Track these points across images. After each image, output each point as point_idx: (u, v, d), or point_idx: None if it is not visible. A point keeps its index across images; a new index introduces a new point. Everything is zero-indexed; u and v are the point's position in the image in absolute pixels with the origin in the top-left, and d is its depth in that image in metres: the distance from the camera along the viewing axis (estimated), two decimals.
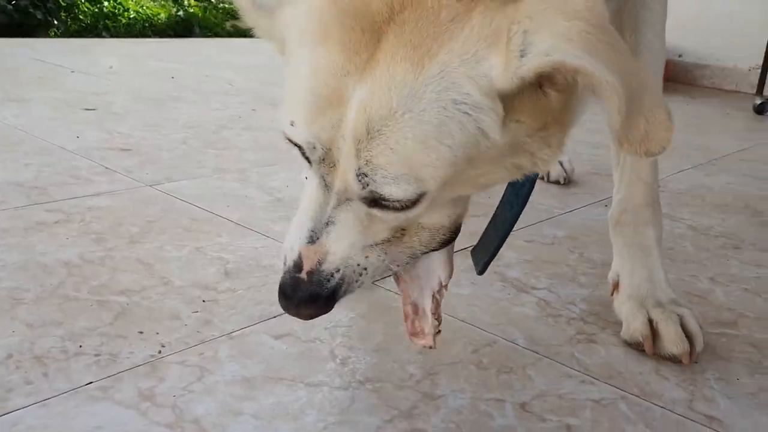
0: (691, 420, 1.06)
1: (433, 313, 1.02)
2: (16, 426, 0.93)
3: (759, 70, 3.96)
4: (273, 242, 1.56)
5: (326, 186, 0.85)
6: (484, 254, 1.11)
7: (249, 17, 0.92)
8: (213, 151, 2.24)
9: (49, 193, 1.74)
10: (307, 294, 0.89)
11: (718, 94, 4.61)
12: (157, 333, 1.17)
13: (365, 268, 0.90)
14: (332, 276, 0.88)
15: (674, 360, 1.20)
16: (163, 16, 6.12)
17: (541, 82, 0.76)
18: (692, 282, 1.54)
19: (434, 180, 0.80)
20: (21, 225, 1.54)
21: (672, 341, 1.20)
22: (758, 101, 3.90)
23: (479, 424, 1.01)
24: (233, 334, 1.18)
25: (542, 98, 0.78)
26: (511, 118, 0.78)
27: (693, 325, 1.22)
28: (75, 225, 1.56)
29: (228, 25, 6.38)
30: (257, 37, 0.95)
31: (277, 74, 3.76)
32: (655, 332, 1.22)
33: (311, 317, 0.93)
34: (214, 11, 6.66)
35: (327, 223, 0.87)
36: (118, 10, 5.96)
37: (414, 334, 1.03)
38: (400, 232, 0.90)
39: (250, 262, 1.46)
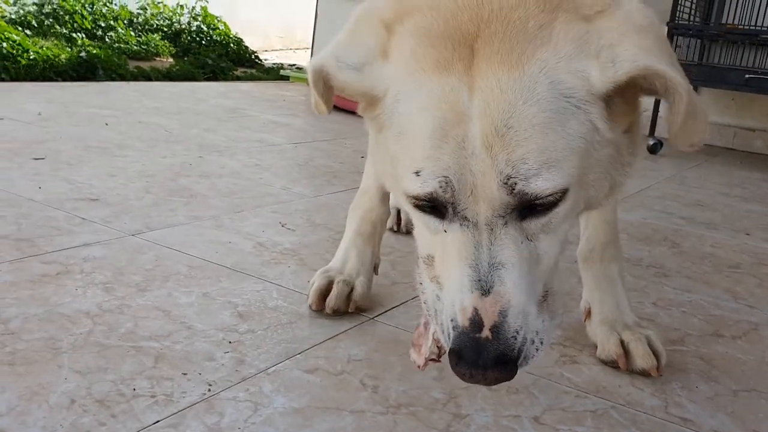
0: (670, 422, 1.27)
1: (435, 340, 1.08)
2: None
3: (650, 113, 4.40)
4: (271, 285, 1.68)
5: (472, 224, 0.84)
6: None
7: (339, 78, 0.91)
8: (179, 199, 2.32)
9: (39, 245, 1.79)
10: (496, 355, 0.80)
11: None
12: (200, 373, 1.27)
13: (536, 332, 0.84)
14: (517, 333, 0.81)
15: (644, 374, 1.42)
16: (63, 57, 6.03)
17: (618, 91, 0.86)
18: (640, 307, 1.78)
19: (569, 168, 0.83)
20: (25, 278, 1.59)
21: (642, 358, 1.42)
22: (651, 142, 4.34)
23: None
24: (269, 370, 1.30)
25: (619, 106, 0.89)
26: (609, 119, 0.88)
27: (657, 344, 1.45)
28: (78, 276, 1.63)
29: (131, 66, 6.41)
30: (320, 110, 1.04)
31: (208, 120, 3.80)
32: (627, 351, 1.44)
33: (498, 382, 0.82)
34: (117, 52, 6.61)
35: (492, 266, 0.82)
36: (17, 51, 5.83)
37: (414, 345, 1.09)
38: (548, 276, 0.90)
39: (258, 305, 1.57)
